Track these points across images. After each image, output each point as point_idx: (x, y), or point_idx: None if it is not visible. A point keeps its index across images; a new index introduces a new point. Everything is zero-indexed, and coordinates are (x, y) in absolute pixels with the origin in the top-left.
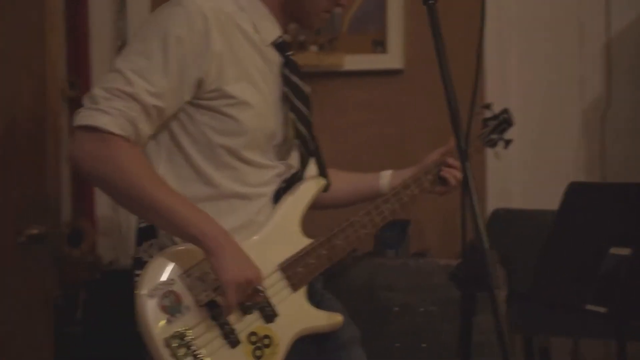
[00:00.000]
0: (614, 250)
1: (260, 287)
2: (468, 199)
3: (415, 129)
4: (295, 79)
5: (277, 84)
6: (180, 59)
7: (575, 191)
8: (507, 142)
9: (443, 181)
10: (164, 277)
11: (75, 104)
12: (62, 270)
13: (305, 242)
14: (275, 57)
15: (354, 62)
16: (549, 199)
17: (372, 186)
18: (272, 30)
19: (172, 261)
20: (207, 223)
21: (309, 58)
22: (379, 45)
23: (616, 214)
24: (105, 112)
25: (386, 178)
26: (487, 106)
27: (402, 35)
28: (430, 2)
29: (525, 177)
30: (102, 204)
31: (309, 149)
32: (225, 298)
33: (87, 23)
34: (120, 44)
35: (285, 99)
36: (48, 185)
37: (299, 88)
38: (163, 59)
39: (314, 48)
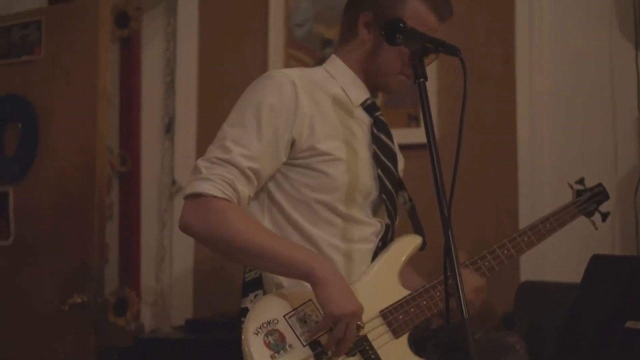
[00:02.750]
0: (629, 324)
1: (361, 324)
2: (450, 266)
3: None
4: (383, 137)
5: (368, 143)
6: (273, 124)
7: (596, 264)
8: (605, 215)
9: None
10: (268, 316)
11: (125, 179)
12: (107, 338)
13: (404, 292)
14: (365, 118)
15: None
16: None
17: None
18: (360, 93)
19: (276, 303)
20: (313, 257)
21: None
22: (414, 119)
23: (634, 286)
24: (207, 179)
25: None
26: (580, 181)
27: (436, 111)
28: (420, 80)
29: (560, 249)
30: (147, 274)
31: (395, 206)
32: (333, 329)
33: (140, 101)
34: (168, 121)
35: (375, 156)
36: (92, 256)
37: (387, 145)
38: (257, 126)
39: None
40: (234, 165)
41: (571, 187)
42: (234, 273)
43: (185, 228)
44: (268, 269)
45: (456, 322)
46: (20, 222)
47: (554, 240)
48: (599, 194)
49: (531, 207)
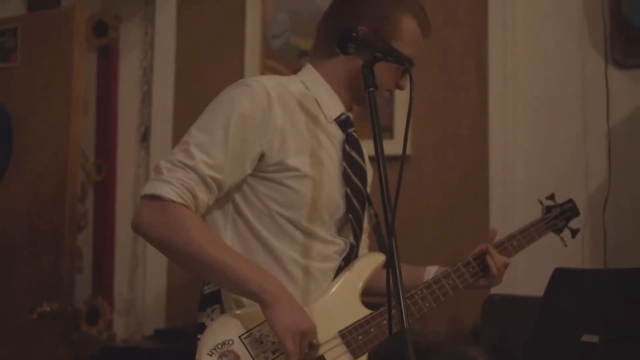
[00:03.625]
0: (585, 338)
1: (315, 342)
2: (393, 277)
3: (423, 213)
4: (354, 154)
5: (339, 160)
6: (242, 134)
7: (559, 277)
8: (574, 232)
9: (485, 271)
10: (224, 337)
11: (100, 188)
12: (77, 347)
13: (365, 312)
14: (338, 133)
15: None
16: None
17: (418, 280)
18: (335, 107)
19: (232, 323)
20: (263, 278)
21: None
22: (387, 131)
23: (591, 299)
24: (167, 182)
25: (432, 273)
26: (551, 196)
27: (412, 123)
28: (370, 89)
29: (529, 262)
30: (120, 283)
31: (361, 225)
32: (284, 349)
33: (116, 111)
34: (144, 130)
35: (345, 174)
36: (63, 265)
37: (357, 163)
38: (224, 134)
39: None
40: (196, 172)
41: (541, 202)
42: None
43: (137, 228)
44: (217, 283)
45: (396, 333)
46: None
47: (523, 254)
48: (568, 210)
49: (502, 219)
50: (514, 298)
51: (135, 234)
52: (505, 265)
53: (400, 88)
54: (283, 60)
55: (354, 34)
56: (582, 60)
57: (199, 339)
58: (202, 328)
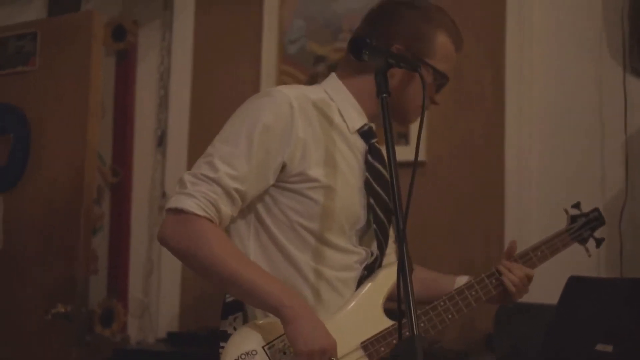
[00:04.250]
0: (599, 347)
1: (334, 359)
2: (403, 284)
3: (436, 219)
4: (377, 165)
5: (361, 170)
6: (265, 146)
7: (573, 285)
8: (599, 241)
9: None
10: (247, 347)
11: (117, 191)
12: (91, 349)
13: (387, 322)
14: (360, 144)
15: None
16: None
17: (446, 289)
18: (358, 118)
19: (255, 333)
20: (285, 293)
21: None
22: (403, 137)
23: (606, 309)
24: (191, 196)
25: (462, 282)
26: (577, 205)
27: (425, 129)
28: (383, 95)
29: (543, 270)
30: (135, 286)
31: (386, 235)
32: None
33: (134, 115)
34: (160, 134)
35: (367, 184)
36: (77, 267)
37: (381, 174)
38: (248, 146)
39: None
40: (220, 184)
41: (566, 212)
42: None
43: (162, 241)
44: (239, 297)
45: (406, 339)
46: (9, 231)
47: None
48: (594, 220)
49: (517, 229)
50: (527, 306)
51: (150, 236)
52: (529, 278)
53: (435, 103)
54: (299, 65)
55: (368, 41)
56: (600, 69)
57: (222, 347)
58: (224, 336)
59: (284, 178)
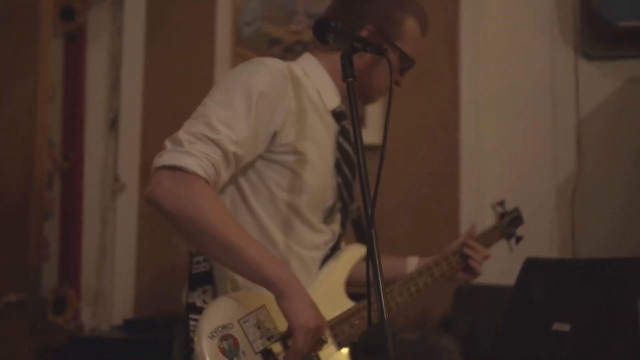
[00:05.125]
0: (556, 327)
1: (324, 338)
2: (372, 269)
3: (393, 201)
4: (347, 146)
5: (332, 149)
6: (260, 113)
7: (530, 266)
8: (518, 239)
9: (465, 263)
10: (224, 320)
11: (68, 175)
12: (44, 338)
13: (349, 304)
14: (333, 124)
15: None
16: None
17: (398, 271)
18: (333, 98)
19: (231, 306)
20: (281, 267)
21: None
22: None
23: (562, 289)
24: (191, 154)
25: (413, 264)
26: (501, 203)
27: (381, 112)
28: (349, 80)
29: (497, 252)
30: (88, 273)
31: (349, 214)
32: (295, 342)
33: (84, 98)
34: (113, 117)
35: (337, 165)
36: (29, 254)
37: (349, 156)
38: (247, 110)
39: None
40: (221, 147)
41: (494, 208)
42: (176, 272)
43: (153, 200)
44: (230, 266)
45: (375, 324)
46: None
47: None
48: (517, 218)
49: (473, 211)
50: (484, 287)
51: (102, 220)
52: (487, 258)
53: (399, 85)
54: (254, 48)
55: (332, 24)
56: (552, 52)
57: (192, 319)
58: (194, 309)
59: (273, 148)
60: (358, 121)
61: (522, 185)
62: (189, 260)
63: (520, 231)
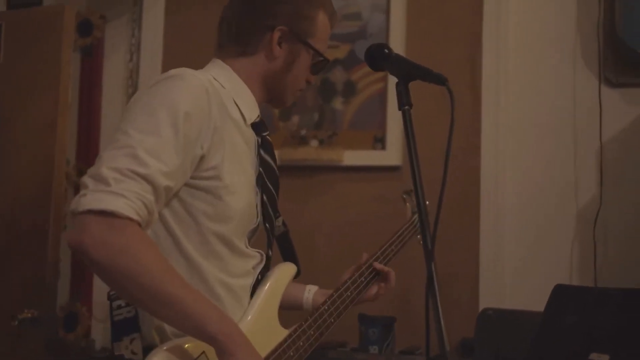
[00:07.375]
0: (593, 356)
1: None
2: (432, 300)
3: None
4: (269, 159)
5: (253, 165)
6: (187, 136)
7: (560, 293)
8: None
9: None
10: None
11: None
12: (55, 354)
13: (283, 332)
14: (252, 136)
15: (353, 157)
16: (543, 301)
17: (296, 297)
18: (252, 109)
19: (169, 358)
20: (225, 321)
21: (308, 152)
22: (379, 141)
23: (598, 318)
24: (120, 195)
25: (311, 292)
26: (409, 192)
27: (401, 134)
28: (405, 108)
29: (518, 278)
30: (99, 289)
31: (274, 234)
32: None
33: (100, 113)
34: None
35: (260, 180)
36: (45, 270)
37: (272, 169)
38: (174, 135)
39: (314, 143)
40: (151, 183)
41: (405, 200)
42: None
43: (81, 248)
44: (167, 319)
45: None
46: None
47: (512, 268)
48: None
49: (492, 236)
50: (507, 312)
51: None
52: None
53: (309, 82)
54: None
55: (387, 51)
56: (575, 78)
57: None
58: None
59: (197, 173)
60: (414, 147)
61: (543, 211)
62: (109, 305)
63: (541, 258)
